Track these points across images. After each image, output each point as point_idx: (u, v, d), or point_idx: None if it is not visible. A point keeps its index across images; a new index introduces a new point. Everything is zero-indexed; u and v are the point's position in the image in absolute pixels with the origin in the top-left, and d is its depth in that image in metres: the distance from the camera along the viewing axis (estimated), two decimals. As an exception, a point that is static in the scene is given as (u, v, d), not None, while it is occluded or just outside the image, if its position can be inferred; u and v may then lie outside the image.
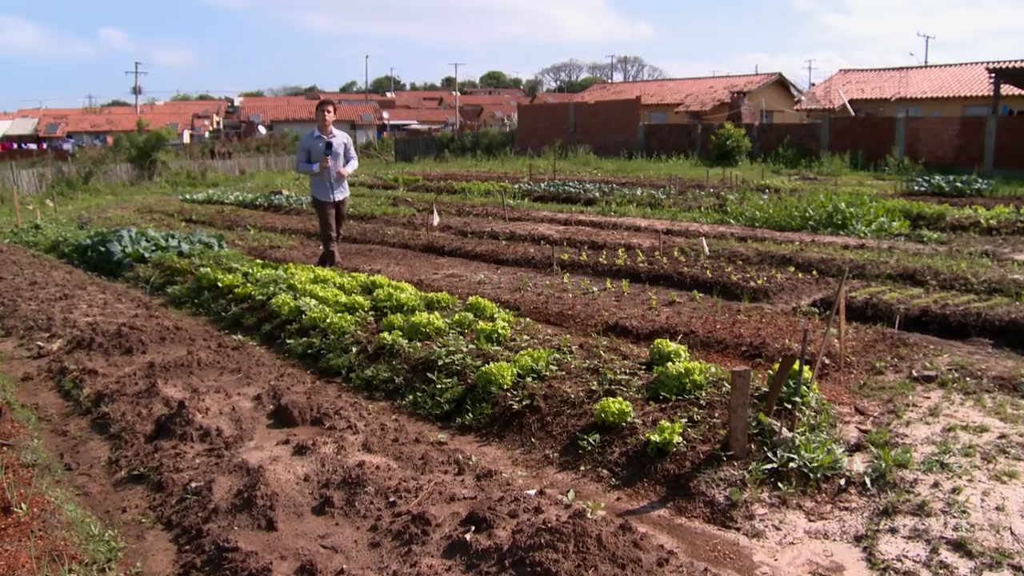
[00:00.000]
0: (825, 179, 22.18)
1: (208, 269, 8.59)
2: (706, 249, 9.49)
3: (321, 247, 9.30)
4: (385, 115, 73.58)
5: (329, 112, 8.35)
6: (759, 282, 7.75)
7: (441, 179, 24.08)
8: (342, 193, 8.62)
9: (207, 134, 62.19)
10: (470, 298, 6.73)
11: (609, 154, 35.78)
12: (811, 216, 12.10)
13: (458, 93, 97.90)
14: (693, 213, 13.94)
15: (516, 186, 20.01)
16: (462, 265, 9.83)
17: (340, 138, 8.56)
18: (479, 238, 11.89)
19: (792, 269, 8.54)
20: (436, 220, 12.08)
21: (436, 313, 6.23)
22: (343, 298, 6.94)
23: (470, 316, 6.17)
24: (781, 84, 43.82)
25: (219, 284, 8.02)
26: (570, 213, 14.16)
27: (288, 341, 6.34)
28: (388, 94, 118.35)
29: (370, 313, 6.62)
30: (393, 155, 47.10)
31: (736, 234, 11.35)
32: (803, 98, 40.74)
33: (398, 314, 6.32)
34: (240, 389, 5.13)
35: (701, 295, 7.50)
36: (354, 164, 8.72)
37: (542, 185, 19.70)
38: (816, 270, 8.49)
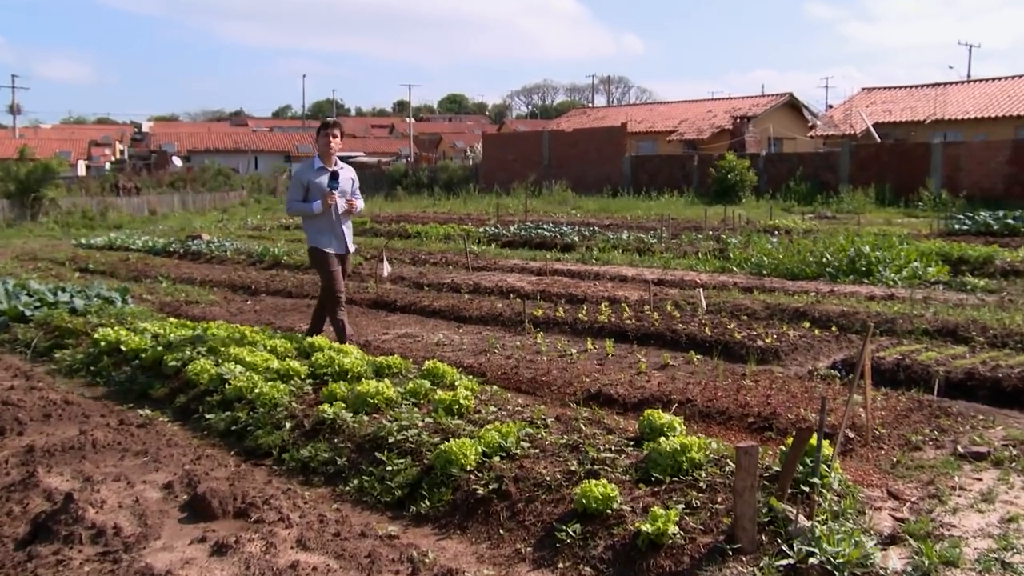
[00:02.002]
0: (846, 218, 22.71)
1: (108, 330, 8.53)
2: (703, 303, 9.64)
3: (311, 322, 8.40)
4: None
5: (335, 137, 7.81)
6: (768, 341, 7.88)
7: (393, 221, 24.24)
8: (351, 243, 8.07)
9: (108, 165, 62.02)
10: (427, 362, 6.76)
11: (590, 191, 36.36)
12: (829, 262, 12.37)
13: (412, 120, 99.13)
14: (689, 260, 14.18)
15: (481, 229, 20.22)
16: (417, 323, 9.87)
17: (347, 172, 8.03)
18: (437, 291, 11.95)
19: (807, 325, 8.71)
20: (386, 270, 12.14)
21: (386, 381, 6.24)
22: (275, 363, 6.93)
23: (427, 384, 6.19)
24: (792, 106, 44.98)
25: (122, 348, 7.96)
26: (544, 261, 14.33)
27: (208, 416, 6.30)
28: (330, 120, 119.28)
29: (308, 381, 6.61)
30: (335, 192, 47.15)
31: (740, 284, 11.55)
32: (818, 122, 41.76)
33: (341, 382, 6.33)
34: (146, 476, 5.07)
35: (699, 357, 7.60)
36: (361, 205, 8.14)
37: (511, 228, 19.92)
38: (836, 326, 8.67)
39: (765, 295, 10.58)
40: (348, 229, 8.04)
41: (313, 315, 8.44)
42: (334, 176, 7.79)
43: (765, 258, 13.16)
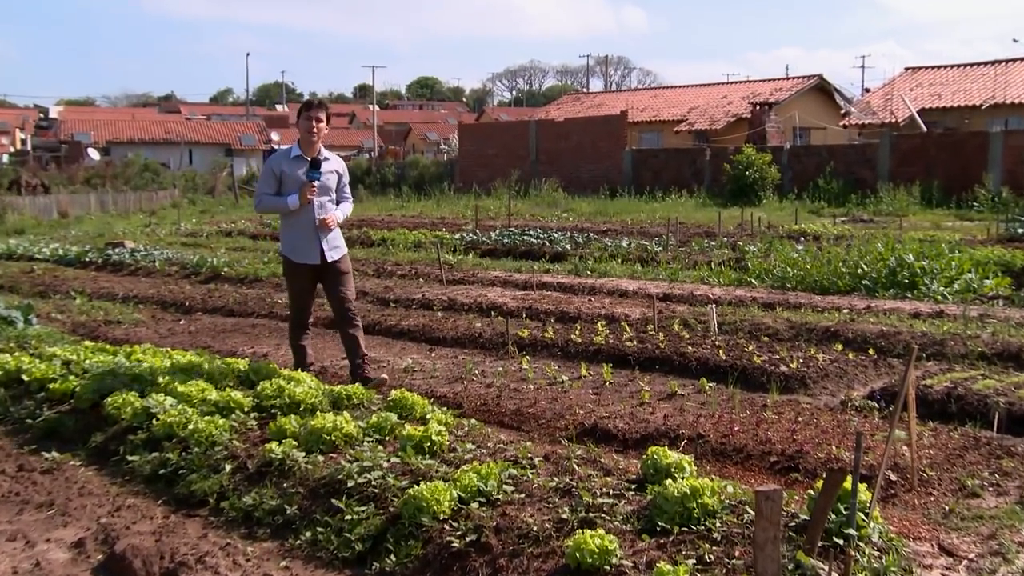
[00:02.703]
0: (885, 221, 22.91)
1: (7, 356, 8.48)
2: (716, 321, 9.69)
3: (291, 340, 8.08)
4: (274, 136, 73.96)
5: (319, 121, 7.61)
6: (793, 366, 7.94)
7: (353, 226, 24.23)
8: (336, 251, 7.75)
9: (5, 158, 61.55)
10: (393, 392, 6.76)
11: (584, 190, 36.57)
12: (865, 273, 12.47)
13: (376, 107, 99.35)
14: (700, 271, 14.27)
15: (457, 236, 20.27)
16: (382, 346, 9.89)
17: (332, 163, 7.81)
18: (406, 308, 11.97)
19: (839, 347, 8.77)
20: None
21: (345, 414, 6.24)
22: (213, 395, 6.91)
23: (393, 418, 6.19)
24: (822, 90, 45.39)
25: (24, 378, 7.91)
26: (531, 273, 14.39)
27: (131, 458, 6.27)
28: (279, 107, 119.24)
29: (252, 415, 6.60)
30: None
31: (760, 299, 11.63)
32: (853, 109, 42.08)
33: (292, 416, 6.32)
34: (52, 533, 5.04)
35: (712, 384, 7.64)
36: (349, 207, 7.97)
37: (493, 235, 19.97)
38: (874, 348, 8.73)
39: (789, 312, 10.65)
40: (332, 234, 7.73)
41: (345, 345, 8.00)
42: (314, 164, 7.54)
43: (789, 269, 13.24)
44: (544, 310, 11.23)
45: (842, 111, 42.54)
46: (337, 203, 7.85)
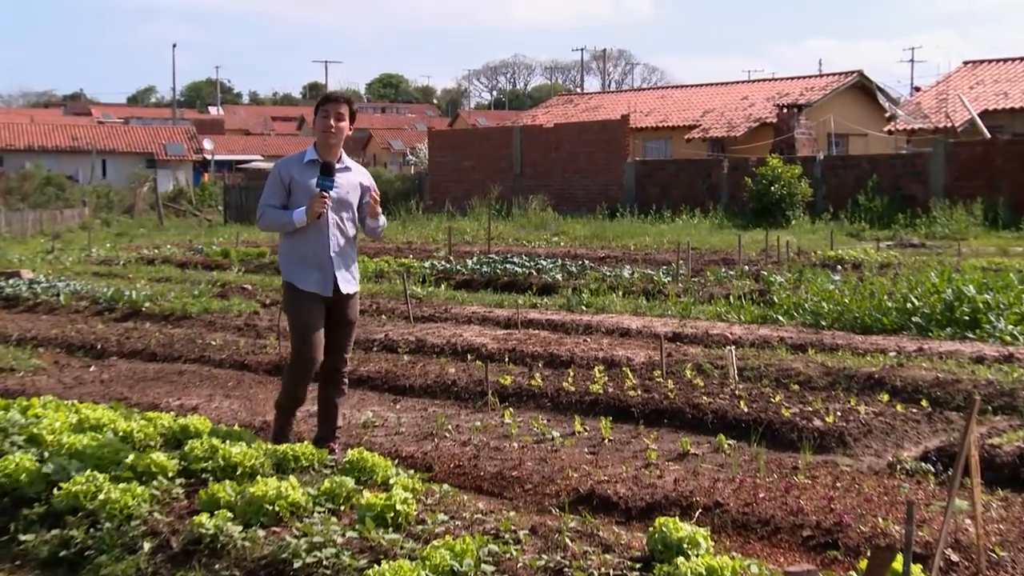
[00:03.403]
0: (940, 245, 23.07)
1: None
2: (735, 367, 9.71)
3: (280, 397, 7.80)
4: (207, 145, 74.12)
5: (340, 117, 7.39)
6: (829, 420, 7.97)
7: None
8: (349, 283, 7.55)
9: None
10: (350, 452, 6.74)
11: (578, 209, 36.77)
12: (917, 308, 12.54)
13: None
14: (717, 306, 14.33)
15: (427, 264, 20.31)
16: (335, 397, 9.87)
17: (355, 173, 7.64)
18: (365, 351, 11.96)
19: (885, 398, 8.81)
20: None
21: (292, 479, 6.22)
22: (130, 457, 6.87)
23: (349, 483, 6.17)
24: (862, 90, 45.78)
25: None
26: (515, 308, 14.38)
27: (24, 537, 6.20)
28: (213, 110, 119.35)
29: (178, 482, 6.56)
30: (222, 212, 47.29)
31: (789, 340, 11.68)
32: (900, 112, 42.29)
33: (227, 482, 6.28)
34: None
35: (732, 442, 7.67)
36: (383, 222, 7.72)
37: (469, 263, 20.02)
38: (928, 399, 8.77)
39: (824, 355, 10.69)
40: (348, 259, 7.55)
41: (318, 403, 7.84)
42: (326, 170, 7.26)
43: (824, 303, 13.30)
44: (531, 353, 11.24)
45: (887, 114, 42.79)
46: (361, 219, 7.65)
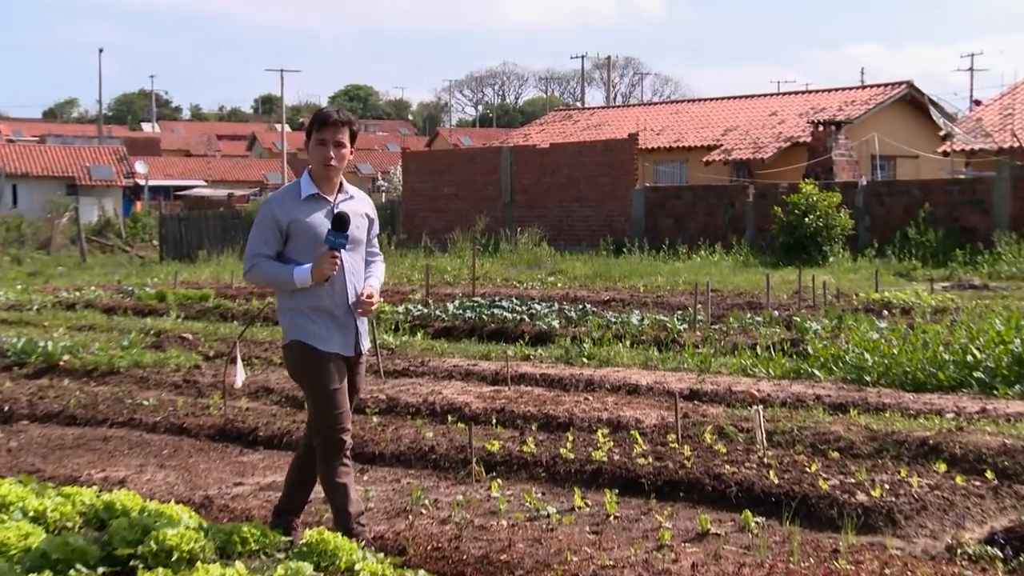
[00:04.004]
0: (1005, 287, 23.11)
1: None
2: (763, 431, 9.68)
3: (286, 485, 7.67)
4: (140, 168, 74.17)
5: (340, 143, 7.21)
6: (876, 494, 7.93)
7: (256, 294, 24.26)
8: (366, 337, 7.52)
9: None
10: (308, 532, 6.69)
11: (578, 244, 36.92)
12: (979, 361, 12.51)
13: (287, 127, 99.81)
14: (742, 358, 14.30)
15: (401, 309, 20.27)
16: (289, 467, 9.81)
17: (359, 203, 7.45)
18: (325, 412, 11.92)
19: (942, 467, 8.77)
20: (240, 377, 12.03)
21: (239, 565, 6.17)
22: (42, 541, 6.81)
23: (308, 570, 6.11)
24: (912, 103, 45.99)
25: None
26: (504, 361, 14.36)
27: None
28: (147, 127, 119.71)
29: (101, 571, 6.50)
30: (158, 248, 47.24)
31: (827, 398, 11.67)
32: (957, 129, 42.29)
33: (160, 570, 6.23)
34: None
35: (760, 520, 7.63)
36: (382, 270, 7.65)
37: (451, 307, 20.00)
38: (993, 470, 8.72)
39: (869, 416, 10.65)
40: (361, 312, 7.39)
41: (292, 468, 7.70)
42: (340, 224, 6.99)
43: (868, 355, 13.28)
44: (522, 413, 11.20)
45: (941, 132, 42.86)
46: (368, 256, 7.51)
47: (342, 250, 7.01)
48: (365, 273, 7.41)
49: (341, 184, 7.33)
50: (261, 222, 7.24)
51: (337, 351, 7.19)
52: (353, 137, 7.30)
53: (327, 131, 7.16)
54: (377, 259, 7.58)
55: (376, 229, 7.58)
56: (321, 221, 7.11)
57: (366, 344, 7.47)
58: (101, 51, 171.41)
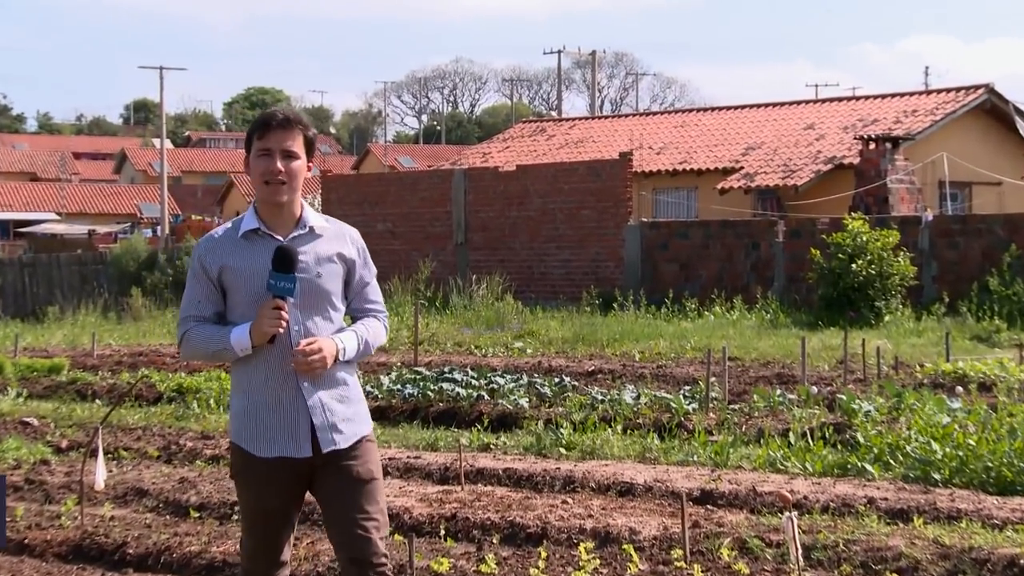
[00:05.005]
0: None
1: None
2: (798, 546, 9.71)
3: None
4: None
5: (290, 155, 6.83)
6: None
7: (126, 364, 24.25)
8: (343, 428, 6.92)
9: None
10: None
11: (554, 297, 37.03)
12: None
13: (168, 143, 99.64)
14: (769, 448, 14.29)
15: (320, 381, 20.21)
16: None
17: (327, 240, 7.04)
18: (221, 522, 11.89)
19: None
20: (102, 475, 12.05)
21: None
22: None
23: None
24: (992, 114, 46.00)
25: None
26: (457, 452, 14.37)
27: None
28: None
29: None
30: (-7, 301, 47.04)
31: (883, 502, 11.69)
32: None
33: None
34: None
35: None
36: (378, 329, 7.17)
37: (385, 381, 20.10)
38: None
39: (938, 527, 10.67)
40: (333, 385, 6.92)
41: None
42: (283, 261, 6.64)
43: (936, 445, 13.30)
44: (480, 522, 11.19)
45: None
46: (353, 319, 7.14)
47: (289, 300, 6.61)
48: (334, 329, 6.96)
49: (300, 214, 6.92)
50: (191, 274, 6.94)
51: (279, 453, 6.77)
52: (309, 146, 6.91)
53: (271, 136, 6.79)
54: (374, 314, 7.16)
55: (365, 275, 7.13)
56: (263, 264, 6.70)
57: (343, 440, 6.85)
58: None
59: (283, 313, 6.56)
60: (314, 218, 6.96)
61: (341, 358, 6.84)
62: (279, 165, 6.71)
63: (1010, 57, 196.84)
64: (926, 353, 23.04)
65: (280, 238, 6.77)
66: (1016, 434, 13.16)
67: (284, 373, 6.74)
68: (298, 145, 6.81)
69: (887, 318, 30.18)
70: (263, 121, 6.84)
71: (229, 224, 7.00)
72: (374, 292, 7.19)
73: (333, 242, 7.00)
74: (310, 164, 6.92)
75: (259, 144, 6.79)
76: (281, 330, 6.61)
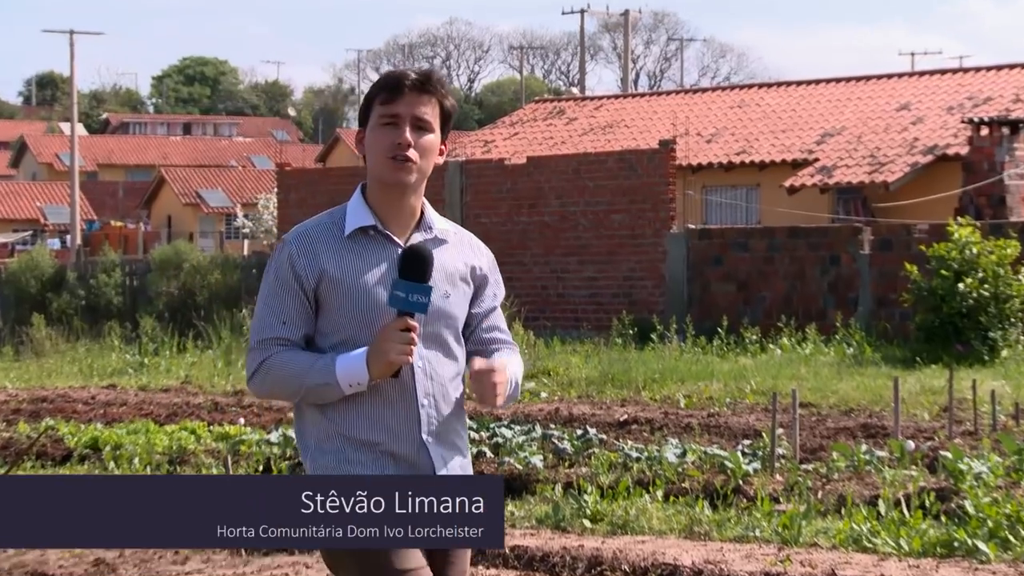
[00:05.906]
0: None
1: None
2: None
3: None
4: None
5: (423, 126, 6.33)
6: None
7: (26, 413, 24.31)
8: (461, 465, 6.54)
9: None
10: None
11: (576, 324, 37.04)
12: None
13: (79, 128, 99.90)
14: (854, 520, 14.28)
15: (275, 436, 20.17)
16: None
17: (457, 249, 6.63)
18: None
19: None
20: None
21: None
22: None
23: None
24: None
25: None
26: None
27: None
28: None
29: None
30: None
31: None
32: None
33: None
34: None
35: None
36: (518, 362, 6.59)
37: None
38: None
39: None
40: (451, 434, 6.48)
41: None
42: (413, 264, 6.16)
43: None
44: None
45: None
46: (487, 351, 6.55)
47: (421, 318, 6.12)
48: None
49: (422, 213, 6.48)
50: (274, 282, 6.35)
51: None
52: (445, 120, 6.43)
53: (401, 101, 6.32)
54: (508, 345, 6.65)
55: (494, 298, 6.70)
56: (380, 275, 6.28)
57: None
58: None
59: (414, 336, 6.06)
60: (438, 219, 6.52)
61: (500, 401, 6.32)
62: (406, 137, 6.25)
63: None
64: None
65: (397, 238, 6.33)
66: None
67: (408, 422, 6.29)
68: (434, 115, 6.37)
69: (1004, 353, 30.04)
70: (391, 82, 6.32)
71: (325, 216, 6.46)
72: (502, 319, 6.75)
73: (462, 251, 6.61)
74: (443, 146, 6.48)
75: (383, 110, 6.31)
76: (411, 359, 6.09)
